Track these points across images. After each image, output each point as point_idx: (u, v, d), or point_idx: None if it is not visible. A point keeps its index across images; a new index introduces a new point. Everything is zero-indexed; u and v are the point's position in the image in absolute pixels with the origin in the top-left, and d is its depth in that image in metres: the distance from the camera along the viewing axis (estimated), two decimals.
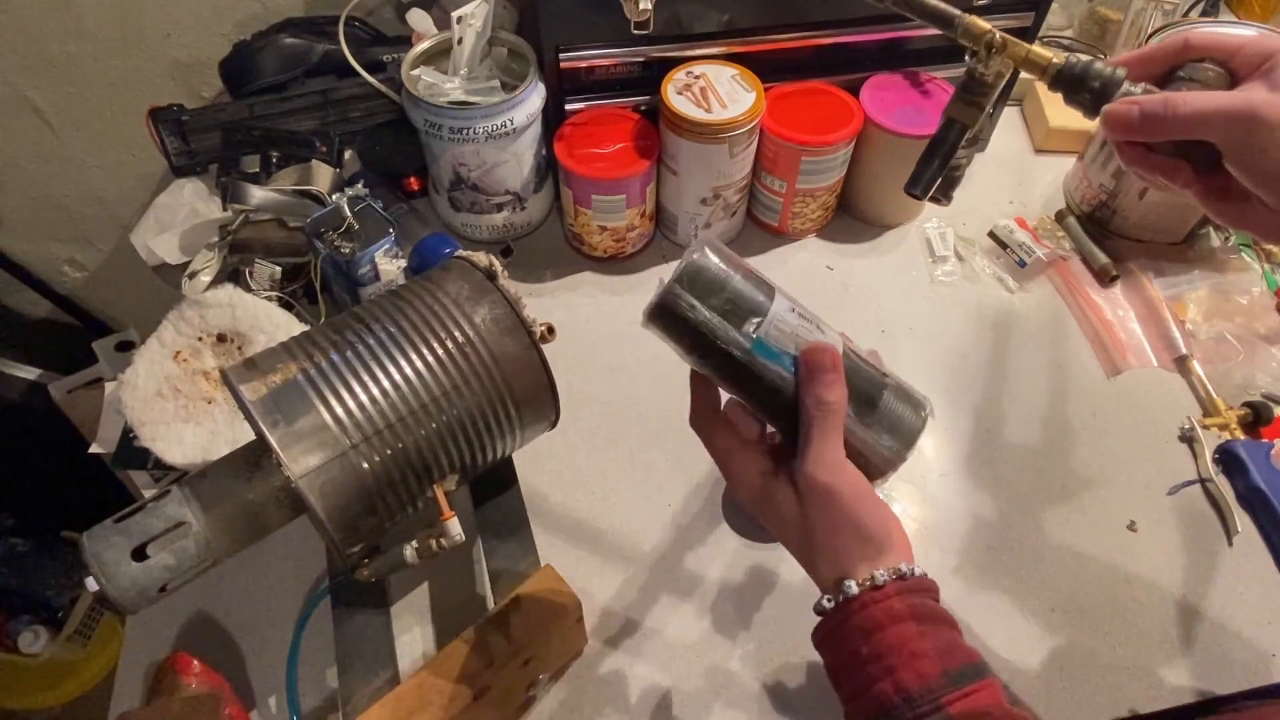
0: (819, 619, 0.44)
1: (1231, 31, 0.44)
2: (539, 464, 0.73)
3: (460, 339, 0.52)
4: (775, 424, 0.47)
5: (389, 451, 0.49)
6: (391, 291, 0.56)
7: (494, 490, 0.64)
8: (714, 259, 0.45)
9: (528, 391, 0.54)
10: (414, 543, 0.54)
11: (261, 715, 0.61)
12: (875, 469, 0.46)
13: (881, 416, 0.45)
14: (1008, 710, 0.39)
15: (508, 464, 0.65)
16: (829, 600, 0.43)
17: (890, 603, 0.41)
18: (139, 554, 0.45)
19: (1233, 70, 0.43)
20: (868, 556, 0.43)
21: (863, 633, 0.41)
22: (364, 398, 0.49)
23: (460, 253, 0.58)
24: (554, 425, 0.60)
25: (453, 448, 0.52)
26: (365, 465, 0.48)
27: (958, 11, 0.53)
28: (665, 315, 0.45)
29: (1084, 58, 0.48)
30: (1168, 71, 0.46)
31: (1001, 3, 0.85)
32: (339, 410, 0.48)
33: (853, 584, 0.42)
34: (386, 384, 0.50)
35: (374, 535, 0.53)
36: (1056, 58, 0.49)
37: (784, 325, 0.44)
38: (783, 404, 0.44)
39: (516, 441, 0.58)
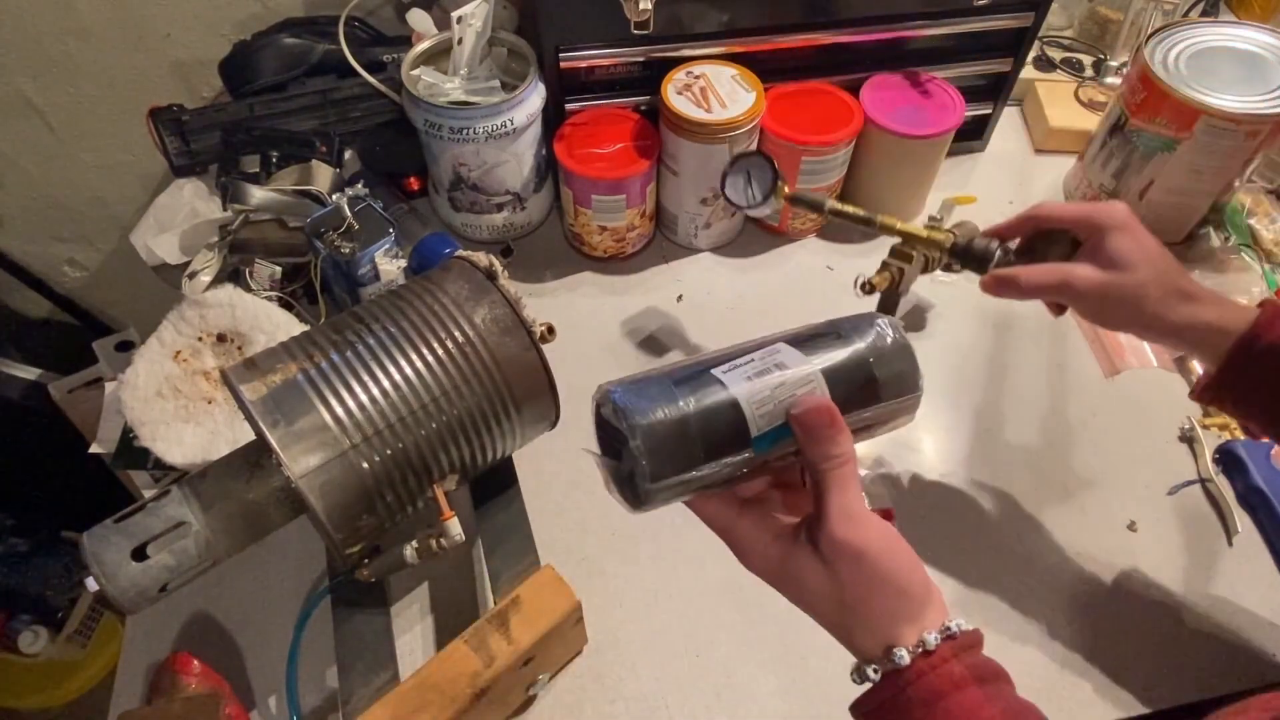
0: (863, 690, 0.39)
1: (1073, 206, 0.58)
2: (539, 464, 0.73)
3: (460, 339, 0.52)
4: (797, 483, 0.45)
5: (389, 451, 0.49)
6: (391, 291, 0.56)
7: (494, 490, 0.64)
8: (654, 414, 0.37)
9: (528, 391, 0.54)
10: (414, 543, 0.54)
11: (261, 715, 0.61)
12: (903, 423, 0.45)
13: (881, 388, 0.42)
14: None
15: (508, 464, 0.65)
16: (875, 670, 0.38)
17: (949, 667, 0.37)
18: (139, 554, 0.45)
19: (1080, 236, 0.57)
20: (911, 615, 0.39)
21: (923, 704, 0.37)
22: (364, 398, 0.49)
23: (460, 253, 0.58)
24: (554, 425, 0.60)
25: (453, 448, 0.52)
26: (365, 465, 0.48)
27: (875, 215, 0.70)
28: (657, 502, 0.39)
29: (969, 234, 0.65)
30: (1033, 232, 0.61)
31: (1002, 3, 0.85)
32: (339, 410, 0.48)
33: (903, 652, 0.38)
34: (386, 384, 0.50)
35: (374, 535, 0.52)
36: (947, 239, 0.66)
37: (763, 404, 0.38)
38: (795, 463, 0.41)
39: (516, 441, 0.58)
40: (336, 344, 0.51)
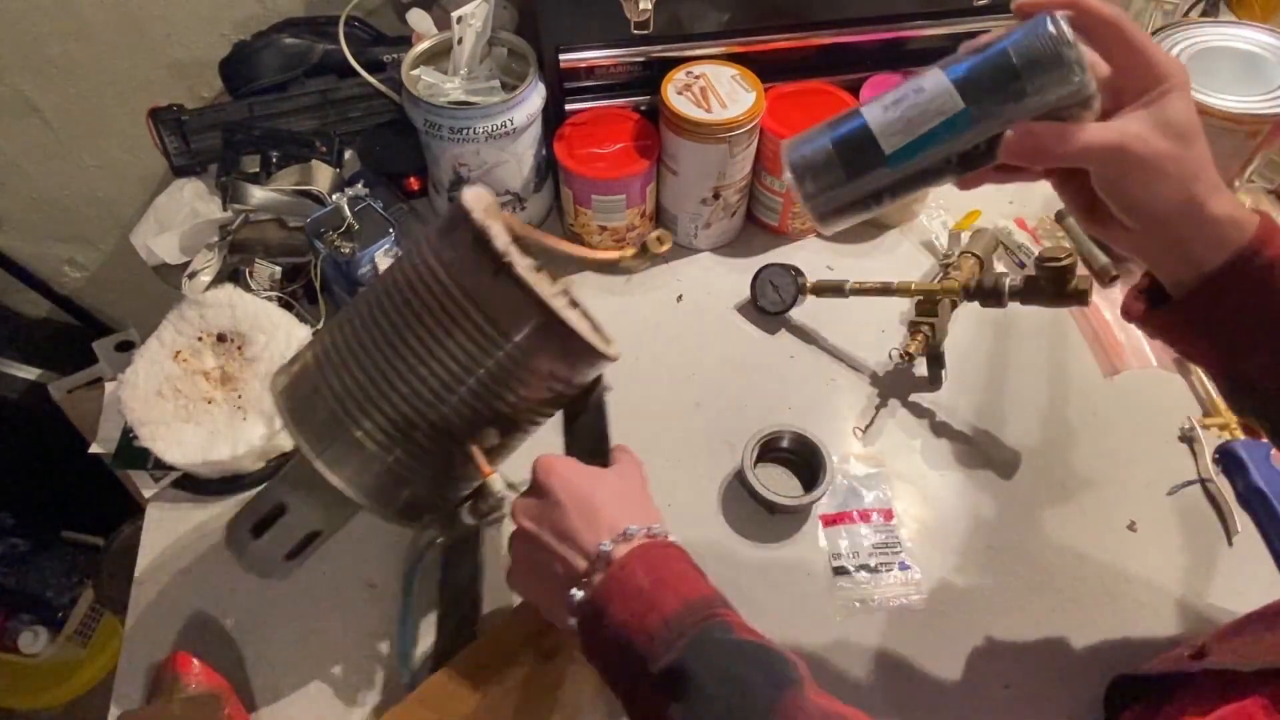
0: (598, 573, 0.45)
1: (1141, 35, 0.42)
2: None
3: (433, 288, 0.48)
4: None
5: (392, 419, 0.48)
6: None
7: (587, 441, 0.58)
8: (803, 149, 0.45)
9: (511, 316, 0.48)
10: (469, 504, 0.53)
11: (262, 715, 0.61)
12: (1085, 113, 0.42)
13: (1029, 83, 0.41)
14: (754, 630, 0.44)
15: (591, 409, 0.58)
16: (611, 542, 0.46)
17: (667, 547, 0.47)
18: (258, 531, 0.53)
19: (1121, 80, 0.43)
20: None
21: (645, 567, 0.44)
22: (361, 376, 0.48)
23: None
24: (586, 351, 0.51)
25: (456, 399, 0.49)
26: (372, 445, 0.49)
27: (891, 282, 0.78)
28: (820, 207, 0.46)
29: (982, 260, 0.74)
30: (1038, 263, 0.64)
31: (1002, 3, 0.85)
32: (339, 388, 0.48)
33: (658, 526, 0.47)
34: (378, 356, 0.48)
35: (431, 504, 0.52)
36: (959, 286, 0.75)
37: (893, 126, 0.42)
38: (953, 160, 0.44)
39: (540, 380, 0.51)
40: (339, 325, 0.51)
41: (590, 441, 0.57)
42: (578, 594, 0.45)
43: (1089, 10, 0.42)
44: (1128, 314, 0.49)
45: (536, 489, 0.49)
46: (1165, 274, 0.45)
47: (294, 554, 0.54)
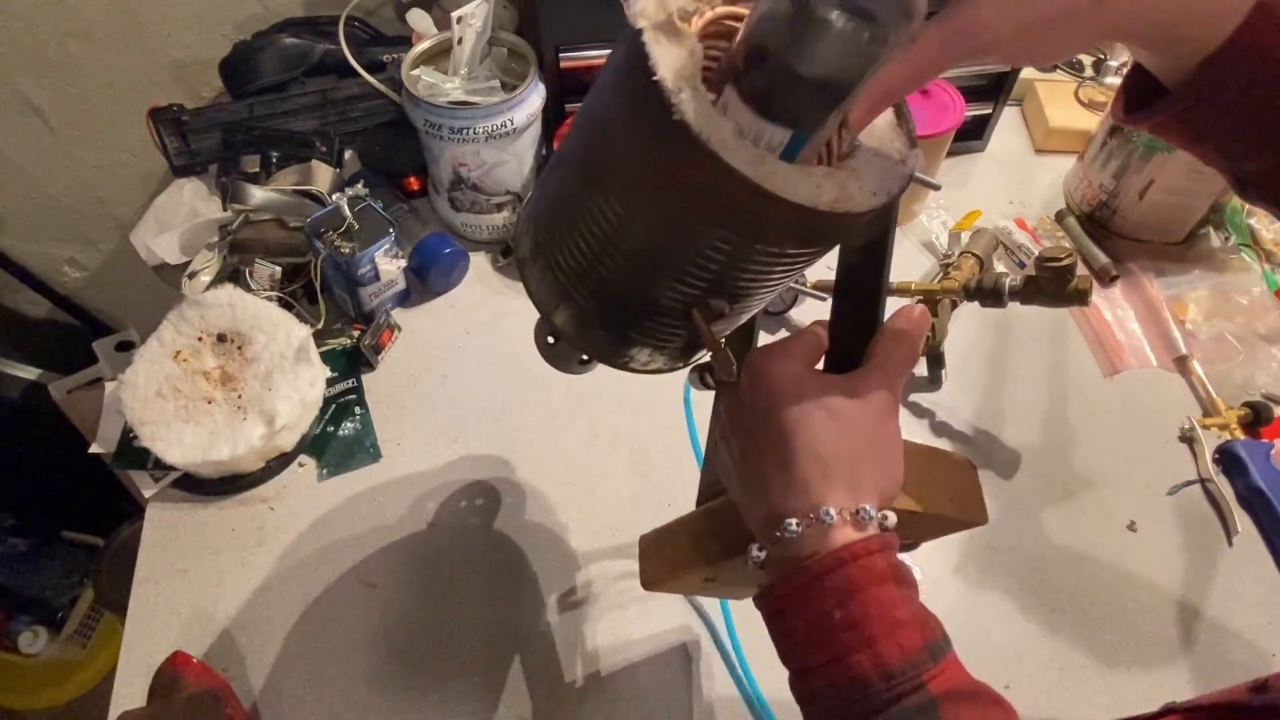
0: (788, 564, 0.36)
1: None
2: (539, 463, 0.73)
3: (605, 142, 0.36)
4: None
5: (601, 296, 0.41)
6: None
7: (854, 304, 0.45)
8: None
9: (707, 198, 0.32)
10: (698, 373, 0.48)
11: (262, 715, 0.61)
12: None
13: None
14: (978, 684, 0.35)
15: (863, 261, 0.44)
16: (799, 524, 0.35)
17: (873, 559, 0.35)
18: (553, 338, 0.49)
19: None
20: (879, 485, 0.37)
21: (838, 594, 0.34)
22: (566, 244, 0.40)
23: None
24: (836, 226, 0.33)
25: (666, 286, 0.38)
26: (588, 306, 0.42)
27: (890, 283, 0.62)
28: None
29: (982, 258, 0.71)
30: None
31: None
32: (558, 256, 0.41)
33: (871, 508, 0.35)
34: (573, 225, 0.39)
35: (656, 364, 0.46)
36: (959, 285, 0.74)
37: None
38: None
39: (762, 259, 0.36)
40: (550, 168, 0.44)
41: (857, 306, 0.44)
42: (758, 554, 0.37)
43: None
44: (1115, 112, 0.39)
45: (743, 392, 0.39)
46: (1151, 68, 0.36)
47: (584, 362, 0.50)
